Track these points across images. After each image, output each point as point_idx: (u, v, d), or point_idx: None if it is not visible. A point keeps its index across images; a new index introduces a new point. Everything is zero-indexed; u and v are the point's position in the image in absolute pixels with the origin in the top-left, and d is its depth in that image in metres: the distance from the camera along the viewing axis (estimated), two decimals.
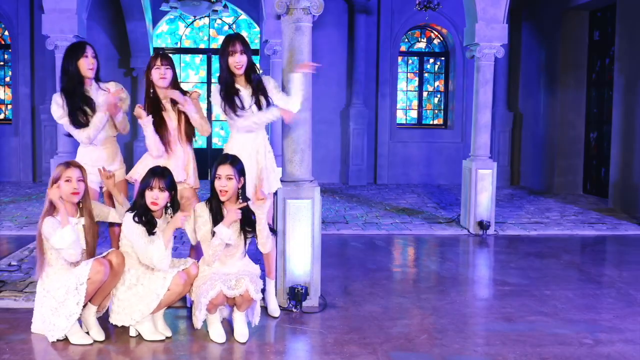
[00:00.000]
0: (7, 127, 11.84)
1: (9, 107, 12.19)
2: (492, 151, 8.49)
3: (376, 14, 12.11)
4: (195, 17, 11.95)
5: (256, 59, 10.98)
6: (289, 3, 4.41)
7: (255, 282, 3.84)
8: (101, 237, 4.31)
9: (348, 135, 12.00)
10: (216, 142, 12.49)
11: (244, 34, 11.60)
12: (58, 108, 4.31)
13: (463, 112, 12.39)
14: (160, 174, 3.89)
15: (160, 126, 4.28)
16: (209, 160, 11.94)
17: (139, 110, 4.21)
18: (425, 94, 12.93)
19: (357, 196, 10.33)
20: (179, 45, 12.52)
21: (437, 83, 12.93)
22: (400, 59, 12.59)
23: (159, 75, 4.27)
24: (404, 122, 12.85)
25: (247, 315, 3.97)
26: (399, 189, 11.48)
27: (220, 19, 12.39)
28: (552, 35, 10.92)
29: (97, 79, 4.42)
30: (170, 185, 3.92)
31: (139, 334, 3.90)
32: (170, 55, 4.55)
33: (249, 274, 3.88)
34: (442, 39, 12.75)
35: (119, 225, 4.09)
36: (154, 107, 4.30)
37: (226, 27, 12.58)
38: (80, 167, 3.85)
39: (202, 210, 3.95)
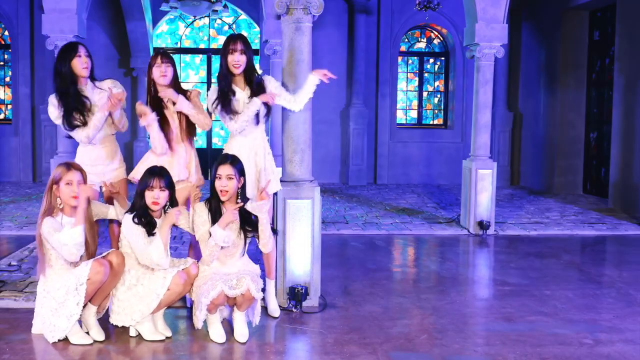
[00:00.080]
0: (7, 127, 11.83)
1: (9, 107, 12.19)
2: (492, 151, 8.49)
3: (376, 14, 12.11)
4: (195, 17, 11.95)
5: (256, 59, 10.98)
6: (289, 3, 4.41)
7: (256, 281, 3.85)
8: (101, 237, 4.31)
9: (348, 135, 12.00)
10: (216, 142, 12.49)
11: (244, 34, 11.61)
12: (54, 109, 4.31)
13: (463, 112, 12.39)
14: (159, 173, 3.90)
15: (162, 125, 4.29)
16: (209, 160, 11.94)
17: (143, 107, 4.21)
18: (425, 94, 12.93)
19: (357, 196, 10.33)
20: (179, 45, 12.52)
21: (437, 83, 12.93)
22: (400, 59, 12.59)
23: (160, 73, 4.28)
24: (404, 122, 12.85)
25: (247, 315, 3.97)
26: (399, 189, 11.48)
27: (220, 19, 12.39)
28: (552, 35, 10.92)
29: (92, 78, 4.41)
30: (169, 184, 3.93)
31: (139, 334, 3.90)
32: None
33: (249, 273, 3.89)
34: (442, 39, 12.75)
35: (119, 224, 4.09)
36: (156, 106, 4.30)
37: (226, 27, 12.58)
38: (81, 170, 3.85)
39: (201, 210, 3.96)
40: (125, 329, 3.95)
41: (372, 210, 8.95)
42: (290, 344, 3.95)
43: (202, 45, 12.61)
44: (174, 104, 4.31)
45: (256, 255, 4.49)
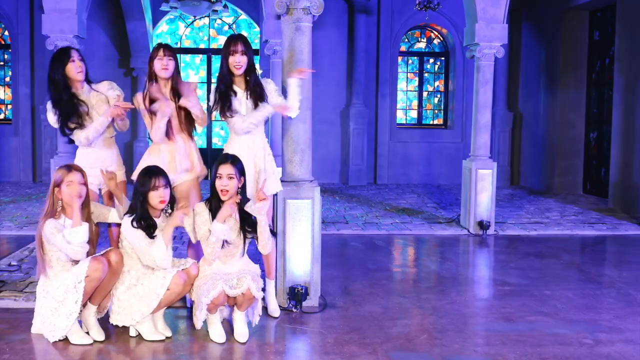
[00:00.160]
0: (7, 127, 11.84)
1: (9, 107, 12.19)
2: (492, 151, 8.49)
3: (376, 14, 12.11)
4: (195, 17, 11.95)
5: (256, 59, 10.97)
6: (289, 3, 4.41)
7: (256, 280, 3.86)
8: (101, 237, 4.31)
9: (348, 135, 12.00)
10: (216, 142, 12.49)
11: (244, 34, 11.61)
12: (52, 115, 4.34)
13: (463, 112, 12.39)
14: (158, 172, 3.92)
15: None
16: (209, 160, 11.94)
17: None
18: (425, 94, 12.93)
19: (357, 196, 10.33)
20: (179, 45, 12.52)
21: (437, 83, 12.93)
22: (400, 59, 12.59)
23: (161, 66, 4.28)
24: (404, 122, 12.85)
25: (247, 315, 3.98)
26: (399, 189, 11.48)
27: (220, 19, 12.39)
28: (552, 35, 10.92)
29: (88, 80, 4.41)
30: (168, 181, 3.96)
31: (139, 334, 3.90)
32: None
33: (250, 273, 3.89)
34: (442, 39, 12.75)
35: (118, 225, 4.09)
36: (154, 99, 4.29)
37: (226, 27, 12.58)
38: (81, 171, 3.85)
39: (202, 210, 3.96)
40: (125, 329, 3.95)
41: (372, 210, 8.95)
42: (290, 344, 3.95)
43: (202, 45, 12.61)
44: (176, 95, 4.31)
45: (256, 256, 4.49)
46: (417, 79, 12.87)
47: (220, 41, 12.43)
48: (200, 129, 4.56)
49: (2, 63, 12.23)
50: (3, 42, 12.14)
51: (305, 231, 4.51)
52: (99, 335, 3.84)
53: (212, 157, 11.88)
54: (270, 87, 4.38)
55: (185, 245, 6.05)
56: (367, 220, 8.16)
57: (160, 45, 4.33)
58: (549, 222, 8.18)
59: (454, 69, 12.56)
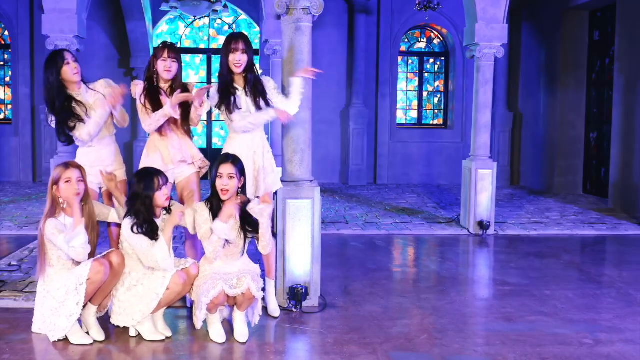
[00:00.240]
0: (7, 127, 11.84)
1: (9, 107, 12.19)
2: (492, 151, 8.49)
3: (376, 14, 12.11)
4: (195, 17, 11.96)
5: (256, 59, 10.97)
6: (289, 3, 4.41)
7: (256, 280, 3.86)
8: (101, 237, 4.31)
9: (348, 135, 12.00)
10: (216, 142, 12.49)
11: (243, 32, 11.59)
12: (49, 121, 4.36)
13: (463, 112, 12.39)
14: (157, 172, 3.92)
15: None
16: (209, 160, 11.92)
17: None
18: (425, 94, 12.93)
19: (357, 196, 10.33)
20: (179, 45, 12.51)
21: (437, 83, 12.93)
22: (400, 59, 12.59)
23: (164, 68, 4.27)
24: (404, 122, 12.85)
25: (247, 315, 3.98)
26: (399, 189, 11.48)
27: (220, 19, 12.39)
28: (552, 35, 10.92)
29: (84, 81, 4.40)
30: (166, 177, 3.98)
31: (139, 334, 3.90)
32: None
33: (250, 273, 3.89)
34: (442, 39, 12.75)
35: (118, 225, 4.09)
36: (153, 96, 4.28)
37: (226, 27, 12.58)
38: (79, 168, 3.85)
39: (202, 209, 3.96)
40: (125, 329, 3.95)
41: (372, 210, 8.95)
42: (290, 344, 3.95)
43: (202, 45, 12.61)
44: (173, 92, 4.31)
45: (256, 255, 4.49)
46: (417, 79, 12.87)
47: (221, 41, 12.42)
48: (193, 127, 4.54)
49: (2, 63, 12.23)
50: (3, 42, 12.14)
51: (305, 231, 4.51)
52: (99, 335, 3.84)
53: (212, 157, 11.80)
54: (269, 85, 4.38)
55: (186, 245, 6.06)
56: (367, 220, 8.16)
57: (165, 46, 4.30)
58: (549, 222, 8.18)
59: (454, 69, 12.56)
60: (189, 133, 4.47)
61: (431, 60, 12.89)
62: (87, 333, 3.86)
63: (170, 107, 4.17)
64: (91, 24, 10.17)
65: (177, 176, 4.42)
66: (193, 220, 4.01)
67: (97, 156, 4.38)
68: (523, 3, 11.76)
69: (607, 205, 9.48)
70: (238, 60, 4.23)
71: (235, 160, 3.96)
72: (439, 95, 12.96)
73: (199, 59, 12.62)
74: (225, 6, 10.83)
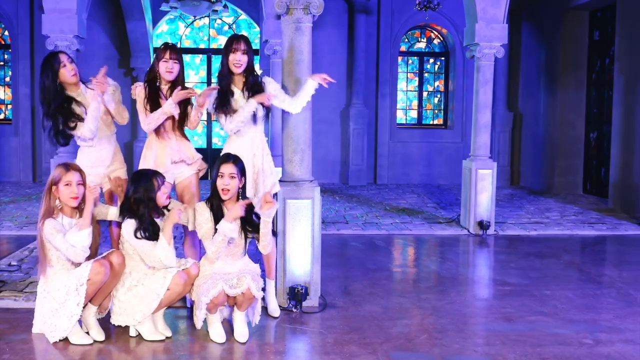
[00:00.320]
0: (7, 127, 11.84)
1: (9, 107, 12.19)
2: (492, 151, 8.49)
3: (376, 14, 12.11)
4: (195, 17, 11.96)
5: (256, 59, 10.98)
6: (289, 3, 4.41)
7: (256, 280, 3.86)
8: (101, 237, 4.31)
9: (348, 135, 12.00)
10: (216, 142, 12.49)
11: (244, 34, 11.61)
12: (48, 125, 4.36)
13: (463, 112, 12.39)
14: (153, 173, 3.93)
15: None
16: (209, 160, 11.94)
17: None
18: (425, 94, 12.93)
19: (357, 196, 10.33)
20: (179, 45, 12.52)
21: (437, 83, 12.93)
22: (400, 59, 12.59)
23: (166, 69, 4.27)
24: (404, 122, 12.85)
25: (247, 315, 3.98)
26: (399, 189, 11.48)
27: (220, 19, 12.39)
28: (552, 35, 10.92)
29: (82, 80, 4.38)
30: (163, 176, 3.99)
31: (139, 333, 3.90)
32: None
33: (250, 273, 3.90)
34: (442, 39, 12.75)
35: (118, 225, 4.09)
36: (153, 97, 4.28)
37: (226, 27, 12.58)
38: (79, 170, 3.84)
39: (203, 209, 3.96)
40: (125, 329, 3.95)
41: (372, 210, 8.95)
42: (290, 344, 3.95)
43: (202, 45, 12.61)
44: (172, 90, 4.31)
45: (256, 255, 4.49)
46: (417, 79, 12.87)
47: (221, 41, 12.43)
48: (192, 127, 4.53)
49: (2, 63, 12.23)
50: (3, 42, 12.14)
51: (305, 231, 4.51)
52: (99, 335, 3.84)
53: (212, 157, 11.88)
54: (270, 86, 4.37)
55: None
56: (367, 220, 8.16)
57: (166, 47, 4.29)
58: (549, 222, 8.18)
59: (454, 69, 12.56)
60: (184, 134, 4.46)
61: (431, 60, 12.89)
62: (87, 333, 3.86)
63: (170, 105, 4.17)
64: (91, 24, 10.17)
65: (176, 176, 4.42)
66: (192, 217, 4.01)
67: (97, 156, 4.38)
68: (523, 3, 11.76)
69: (607, 205, 9.48)
70: (238, 60, 4.24)
71: (236, 160, 3.96)
72: (439, 95, 12.96)
73: (199, 59, 12.61)
74: (225, 6, 10.83)
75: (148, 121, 4.25)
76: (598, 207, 9.36)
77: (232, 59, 4.24)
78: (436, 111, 12.98)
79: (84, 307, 3.81)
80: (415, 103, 12.90)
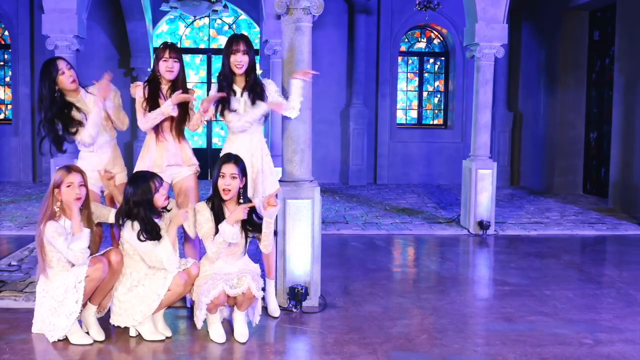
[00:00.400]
0: (7, 127, 11.84)
1: (9, 107, 12.19)
2: (492, 151, 8.49)
3: (376, 14, 12.11)
4: (195, 17, 11.96)
5: (256, 59, 10.98)
6: (289, 3, 4.41)
7: (256, 280, 3.86)
8: (102, 238, 4.31)
9: (348, 135, 12.00)
10: (216, 142, 12.49)
11: (244, 34, 11.60)
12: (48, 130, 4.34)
13: (463, 112, 12.39)
14: (150, 175, 3.93)
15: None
16: (209, 160, 11.94)
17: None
18: (425, 94, 12.93)
19: (357, 196, 10.33)
20: (179, 45, 12.50)
21: (437, 83, 12.93)
22: (400, 59, 12.59)
23: (166, 68, 4.26)
24: (404, 122, 12.85)
25: (247, 315, 3.98)
26: (399, 189, 11.48)
27: (220, 19, 12.39)
28: (552, 35, 10.92)
29: (82, 85, 4.37)
30: (161, 177, 3.99)
31: (139, 334, 3.90)
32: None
33: (250, 273, 3.90)
34: (442, 39, 12.75)
35: (119, 226, 4.08)
36: (153, 96, 4.28)
37: (226, 27, 12.58)
38: (81, 172, 3.85)
39: (203, 209, 3.96)
40: (125, 329, 3.95)
41: (372, 210, 8.95)
42: (290, 344, 3.95)
43: (202, 45, 12.61)
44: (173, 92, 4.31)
45: (256, 255, 4.49)
46: (417, 79, 12.87)
47: (221, 41, 12.44)
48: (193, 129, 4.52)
49: (2, 63, 12.23)
50: (3, 42, 12.14)
51: (305, 231, 4.51)
52: (99, 335, 3.84)
53: (212, 157, 11.88)
54: (270, 87, 4.38)
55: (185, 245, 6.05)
56: (367, 220, 8.16)
57: (166, 46, 4.28)
58: (549, 222, 8.18)
59: (454, 69, 12.56)
60: (183, 135, 4.45)
61: (431, 60, 12.89)
62: (87, 333, 3.86)
63: (169, 106, 4.16)
64: (91, 24, 10.17)
65: (174, 177, 4.41)
66: (193, 222, 4.01)
67: (98, 160, 4.38)
68: (523, 3, 11.76)
69: (607, 205, 9.48)
70: (239, 61, 4.24)
71: (237, 160, 3.96)
72: (439, 95, 12.96)
73: (199, 59, 12.62)
74: (225, 6, 10.83)
75: (145, 120, 4.24)
76: (598, 207, 9.36)
77: (233, 60, 4.24)
78: (436, 111, 12.98)
79: (83, 307, 3.81)
80: (415, 103, 12.90)
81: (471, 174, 7.48)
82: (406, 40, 12.68)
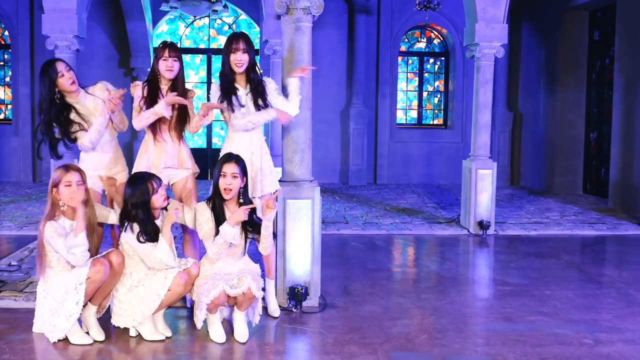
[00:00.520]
0: (7, 127, 11.84)
1: (9, 107, 12.19)
2: (492, 151, 8.49)
3: (376, 14, 12.11)
4: (195, 17, 11.96)
5: (256, 59, 10.97)
6: (289, 3, 4.41)
7: (257, 280, 3.86)
8: (102, 238, 4.31)
9: (348, 135, 12.00)
10: (216, 142, 12.49)
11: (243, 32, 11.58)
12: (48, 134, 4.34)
13: (463, 112, 12.39)
14: (150, 176, 3.93)
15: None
16: (209, 160, 11.95)
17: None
18: (425, 94, 12.93)
19: (357, 196, 10.33)
20: (179, 45, 12.49)
21: (437, 83, 12.93)
22: (400, 59, 12.59)
23: (166, 67, 4.25)
24: (404, 122, 12.85)
25: (247, 315, 3.98)
26: (399, 189, 11.48)
27: (220, 19, 12.39)
28: (552, 35, 10.92)
29: (81, 85, 4.37)
30: (159, 178, 3.98)
31: (139, 334, 3.90)
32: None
33: (250, 273, 3.90)
34: (442, 39, 12.76)
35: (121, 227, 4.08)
36: (153, 96, 4.28)
37: (226, 27, 12.58)
38: (79, 171, 3.84)
39: (204, 209, 3.95)
40: (125, 329, 3.95)
41: (372, 210, 8.95)
42: (290, 344, 3.95)
43: (202, 45, 12.61)
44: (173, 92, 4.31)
45: (256, 255, 4.49)
46: (417, 79, 12.87)
47: (220, 41, 12.43)
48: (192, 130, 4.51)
49: (2, 63, 12.23)
50: (3, 42, 12.14)
51: (305, 231, 4.51)
52: (99, 335, 3.84)
53: (212, 157, 11.88)
54: (270, 86, 4.38)
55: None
56: (367, 220, 8.16)
57: (165, 45, 4.27)
58: (549, 222, 8.18)
59: (454, 69, 12.56)
60: (181, 136, 4.45)
61: (431, 60, 12.89)
62: (87, 333, 3.86)
63: (162, 106, 4.15)
64: (91, 24, 10.17)
65: (171, 178, 4.40)
66: (192, 216, 4.01)
67: (99, 160, 4.37)
68: (523, 3, 11.76)
69: (607, 205, 9.48)
70: (239, 59, 4.23)
71: (238, 160, 3.96)
72: (439, 95, 12.96)
73: (199, 59, 12.62)
74: (225, 6, 10.83)
75: (138, 119, 4.24)
76: (598, 207, 9.36)
77: (233, 59, 4.24)
78: (436, 111, 12.98)
79: (83, 307, 3.81)
80: (415, 103, 12.90)
81: (471, 174, 7.48)
82: (406, 40, 12.68)
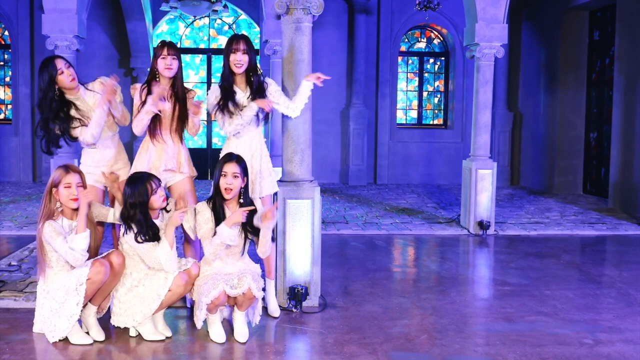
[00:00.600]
0: (7, 127, 11.84)
1: (9, 107, 12.19)
2: (492, 151, 8.49)
3: (376, 14, 12.11)
4: (195, 17, 11.95)
5: (257, 61, 10.97)
6: (289, 3, 4.41)
7: (257, 280, 3.86)
8: (102, 238, 4.31)
9: (348, 135, 12.00)
10: (216, 142, 12.49)
11: (244, 33, 11.59)
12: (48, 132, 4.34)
13: (463, 112, 12.39)
14: (149, 176, 3.92)
15: (155, 114, 4.27)
16: (209, 160, 11.95)
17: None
18: (425, 94, 12.93)
19: (357, 196, 10.33)
20: (179, 45, 12.50)
21: (437, 83, 12.93)
22: (400, 59, 12.59)
23: (165, 66, 4.25)
24: (404, 122, 12.85)
25: (247, 315, 3.98)
26: (399, 189, 11.48)
27: (220, 19, 12.39)
28: (552, 35, 10.92)
29: (81, 82, 4.36)
30: (158, 179, 3.99)
31: (139, 334, 3.90)
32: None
33: (250, 273, 3.90)
34: (442, 39, 12.75)
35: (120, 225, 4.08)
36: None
37: (226, 27, 12.58)
38: (79, 172, 3.84)
39: (204, 209, 3.96)
40: (125, 329, 3.95)
41: (372, 210, 8.95)
42: (290, 344, 3.95)
43: (202, 45, 12.61)
44: (172, 95, 4.31)
45: (256, 255, 4.49)
46: (417, 79, 12.87)
47: (221, 41, 12.44)
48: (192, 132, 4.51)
49: (2, 63, 12.23)
50: (3, 42, 12.14)
51: (305, 231, 4.51)
52: (99, 335, 3.84)
53: (212, 157, 11.89)
54: (271, 87, 4.37)
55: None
56: (367, 220, 8.16)
57: (164, 44, 4.27)
58: (549, 222, 8.18)
59: (454, 69, 12.56)
60: (182, 137, 4.45)
61: (431, 60, 12.89)
62: (87, 333, 3.86)
63: (150, 103, 4.15)
64: (91, 24, 10.18)
65: (168, 180, 4.40)
66: (192, 225, 4.00)
67: (101, 156, 4.37)
68: (523, 3, 11.76)
69: (607, 205, 9.48)
70: (239, 60, 4.23)
71: (239, 160, 3.96)
72: (439, 95, 12.96)
73: (199, 59, 12.61)
74: (225, 6, 10.83)
75: (135, 123, 4.26)
76: (598, 207, 9.36)
77: (232, 59, 4.24)
78: (436, 111, 12.98)
79: (83, 307, 3.81)
80: (415, 103, 12.90)
81: (471, 174, 7.48)
82: (406, 40, 12.68)
